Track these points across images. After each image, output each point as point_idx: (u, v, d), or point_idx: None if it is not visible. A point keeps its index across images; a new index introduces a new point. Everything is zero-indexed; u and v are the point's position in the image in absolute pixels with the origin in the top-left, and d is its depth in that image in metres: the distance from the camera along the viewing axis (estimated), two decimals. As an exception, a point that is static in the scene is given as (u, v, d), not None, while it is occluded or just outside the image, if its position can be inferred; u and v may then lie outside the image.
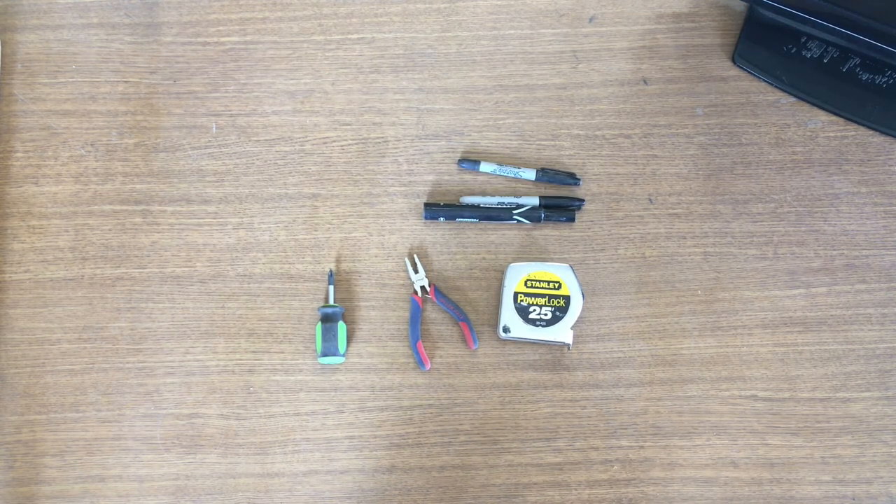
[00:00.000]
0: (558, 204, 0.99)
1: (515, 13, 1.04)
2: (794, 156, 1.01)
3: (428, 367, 0.96)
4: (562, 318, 0.95)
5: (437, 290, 0.97)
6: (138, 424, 0.96)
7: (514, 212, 0.98)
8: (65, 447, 0.96)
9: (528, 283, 0.95)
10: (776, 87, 1.02)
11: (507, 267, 0.97)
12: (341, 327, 0.95)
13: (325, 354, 0.94)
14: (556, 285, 0.95)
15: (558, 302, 0.95)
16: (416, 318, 0.96)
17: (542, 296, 0.95)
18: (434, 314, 0.98)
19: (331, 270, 0.98)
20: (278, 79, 1.02)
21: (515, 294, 0.95)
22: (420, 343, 0.96)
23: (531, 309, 0.95)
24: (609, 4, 1.04)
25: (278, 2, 1.04)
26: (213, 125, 1.02)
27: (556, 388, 0.96)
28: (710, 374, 0.97)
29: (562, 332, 0.95)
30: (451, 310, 0.96)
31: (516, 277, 0.95)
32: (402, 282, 0.98)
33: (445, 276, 0.98)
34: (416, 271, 0.98)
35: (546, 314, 0.95)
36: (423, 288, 0.97)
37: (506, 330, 0.95)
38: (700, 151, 1.01)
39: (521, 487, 0.95)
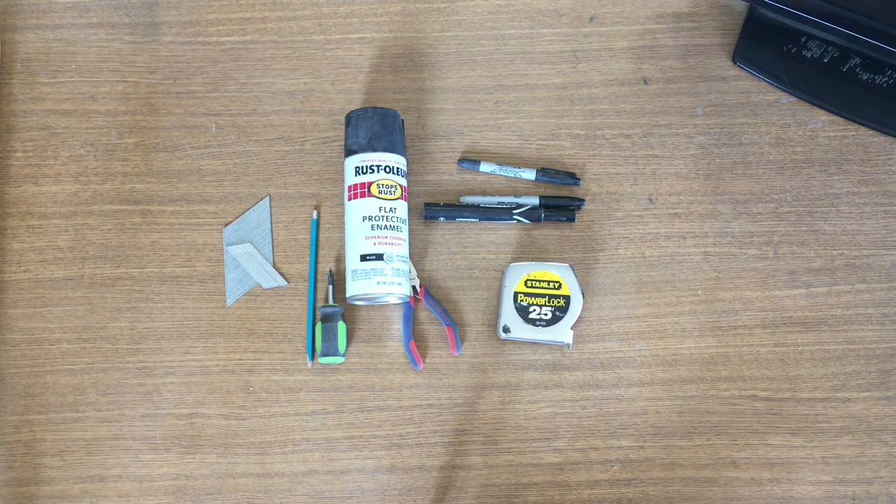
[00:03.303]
0: (558, 204, 0.99)
1: (515, 13, 1.04)
2: (795, 156, 1.01)
3: (421, 366, 0.96)
4: (562, 318, 0.95)
5: (427, 293, 0.97)
6: (138, 424, 0.96)
7: (514, 212, 0.98)
8: (64, 447, 0.96)
9: (528, 283, 0.95)
10: (776, 86, 1.02)
11: (507, 267, 0.97)
12: (341, 327, 0.95)
13: (325, 354, 0.94)
14: (556, 285, 0.95)
15: (558, 302, 0.95)
16: (409, 319, 0.96)
17: (542, 296, 0.95)
18: (432, 314, 0.98)
19: (331, 270, 0.98)
20: (278, 79, 1.02)
21: (515, 294, 0.95)
22: (413, 343, 0.96)
23: (531, 309, 0.95)
24: (609, 4, 1.04)
25: (278, 2, 1.04)
26: (213, 125, 1.02)
27: (556, 388, 0.96)
28: (710, 374, 0.97)
29: (562, 332, 0.95)
30: (439, 313, 0.96)
31: (516, 277, 0.95)
32: (402, 282, 0.98)
33: (445, 275, 0.98)
34: None
35: (546, 314, 0.95)
36: (413, 289, 0.97)
37: (506, 330, 0.95)
38: (700, 151, 1.01)
39: (521, 487, 0.95)
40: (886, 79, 1.00)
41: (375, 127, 0.95)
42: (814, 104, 1.02)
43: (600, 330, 0.97)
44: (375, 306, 0.98)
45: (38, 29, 1.03)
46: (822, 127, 1.02)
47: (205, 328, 0.98)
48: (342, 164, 1.01)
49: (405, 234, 0.95)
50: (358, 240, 0.93)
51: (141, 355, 0.97)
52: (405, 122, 1.01)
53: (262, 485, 0.95)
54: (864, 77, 1.01)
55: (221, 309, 0.98)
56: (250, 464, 0.95)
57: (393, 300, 0.95)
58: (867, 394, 0.96)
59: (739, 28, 1.03)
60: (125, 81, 1.02)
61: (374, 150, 0.94)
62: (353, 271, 0.93)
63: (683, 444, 0.96)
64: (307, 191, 1.00)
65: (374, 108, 0.95)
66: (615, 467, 0.95)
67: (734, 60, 1.02)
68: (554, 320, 0.95)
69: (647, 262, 0.99)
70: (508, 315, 0.95)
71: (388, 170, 0.94)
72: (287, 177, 1.00)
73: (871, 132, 1.02)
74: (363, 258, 0.93)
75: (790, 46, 1.02)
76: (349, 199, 0.95)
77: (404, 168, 0.96)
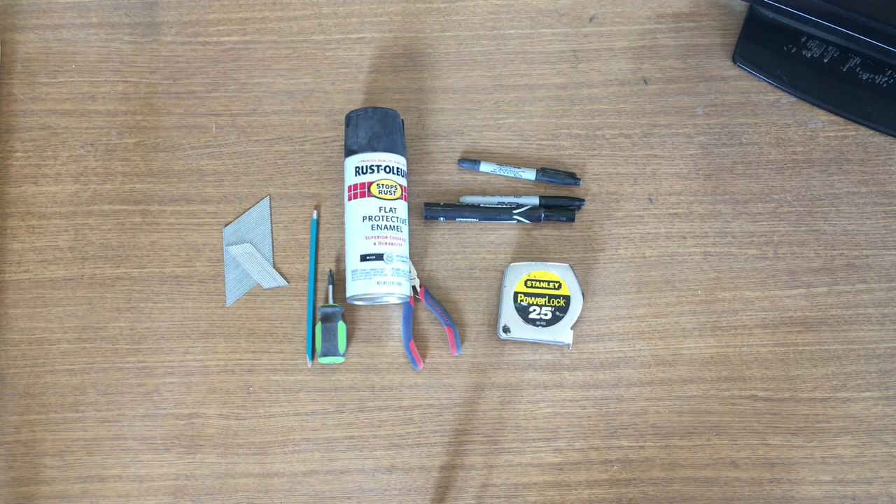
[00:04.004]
0: (558, 204, 0.99)
1: (515, 13, 1.04)
2: (795, 156, 1.01)
3: (421, 366, 0.96)
4: (562, 318, 0.95)
5: (427, 293, 0.97)
6: (138, 424, 0.96)
7: (514, 212, 0.98)
8: (64, 447, 0.96)
9: (528, 283, 0.95)
10: (776, 86, 1.02)
11: (507, 267, 0.97)
12: (341, 327, 0.95)
13: (325, 354, 0.94)
14: (556, 285, 0.95)
15: (558, 302, 0.95)
16: (409, 319, 0.96)
17: (542, 296, 0.95)
18: (432, 314, 0.98)
19: (331, 270, 0.98)
20: (278, 78, 1.02)
21: (515, 294, 0.95)
22: (413, 343, 0.96)
23: (531, 309, 0.95)
24: (609, 4, 1.04)
25: (278, 2, 1.04)
26: (213, 125, 1.02)
27: (556, 388, 0.96)
28: (710, 374, 0.97)
29: (562, 332, 0.95)
30: (439, 313, 0.96)
31: (516, 277, 0.95)
32: (402, 282, 0.98)
33: (445, 275, 0.98)
34: None
35: (546, 314, 0.95)
36: (413, 289, 0.97)
37: (506, 330, 0.95)
38: (700, 151, 1.01)
39: (521, 487, 0.95)
40: (886, 79, 1.00)
41: (375, 127, 0.95)
42: (814, 104, 1.02)
43: (600, 330, 0.97)
44: (375, 306, 0.98)
45: (38, 29, 1.03)
46: (822, 127, 1.02)
47: (205, 328, 0.98)
48: (342, 164, 1.01)
49: (405, 234, 0.95)
50: (358, 240, 0.93)
51: (141, 355, 0.97)
52: (405, 122, 1.01)
53: (262, 485, 0.95)
54: (864, 77, 1.01)
55: (221, 309, 0.98)
56: (250, 464, 0.95)
57: (393, 300, 0.95)
58: (867, 394, 0.96)
59: (739, 28, 1.03)
60: (125, 81, 1.02)
61: (374, 150, 0.94)
62: (353, 271, 0.93)
63: (683, 444, 0.96)
64: (307, 191, 1.00)
65: (374, 108, 0.95)
66: (615, 467, 0.95)
67: (734, 60, 1.02)
68: (554, 320, 0.95)
69: (647, 262, 0.99)
70: (508, 315, 0.95)
71: (388, 170, 0.94)
72: (287, 177, 1.00)
73: (871, 132, 1.02)
74: (363, 258, 0.93)
75: (790, 46, 1.02)
76: (349, 199, 0.95)
77: (404, 168, 0.96)
